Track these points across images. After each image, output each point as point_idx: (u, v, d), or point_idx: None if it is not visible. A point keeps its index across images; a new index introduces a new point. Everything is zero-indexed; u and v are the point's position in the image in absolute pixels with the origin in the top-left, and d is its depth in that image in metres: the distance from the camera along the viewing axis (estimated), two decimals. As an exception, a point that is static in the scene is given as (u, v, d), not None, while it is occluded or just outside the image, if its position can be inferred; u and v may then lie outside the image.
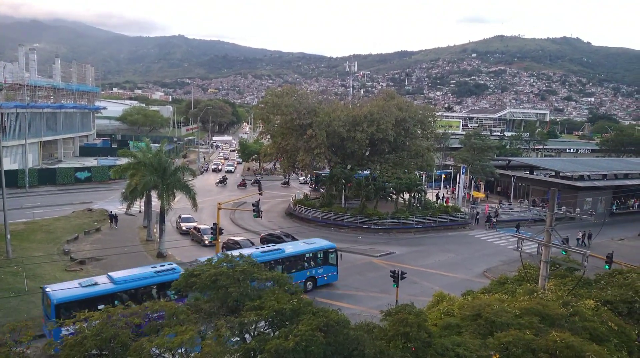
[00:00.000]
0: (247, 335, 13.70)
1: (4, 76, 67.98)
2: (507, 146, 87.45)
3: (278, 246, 29.53)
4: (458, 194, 51.99)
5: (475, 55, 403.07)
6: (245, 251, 27.54)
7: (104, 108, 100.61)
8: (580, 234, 40.75)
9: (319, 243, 30.50)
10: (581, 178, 53.33)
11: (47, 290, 20.52)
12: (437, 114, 67.15)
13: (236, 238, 34.85)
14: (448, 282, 29.65)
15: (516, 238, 21.12)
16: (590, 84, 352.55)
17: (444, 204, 49.43)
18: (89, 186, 57.81)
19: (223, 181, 65.36)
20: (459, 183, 51.53)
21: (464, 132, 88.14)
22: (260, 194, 43.05)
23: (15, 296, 23.80)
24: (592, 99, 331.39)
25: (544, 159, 78.24)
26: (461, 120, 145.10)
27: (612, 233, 43.92)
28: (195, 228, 38.59)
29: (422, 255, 36.13)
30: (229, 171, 78.49)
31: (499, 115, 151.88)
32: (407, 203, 45.67)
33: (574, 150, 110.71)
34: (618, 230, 45.86)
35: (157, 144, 41.12)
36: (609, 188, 52.95)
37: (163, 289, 22.26)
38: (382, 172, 45.43)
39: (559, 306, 15.49)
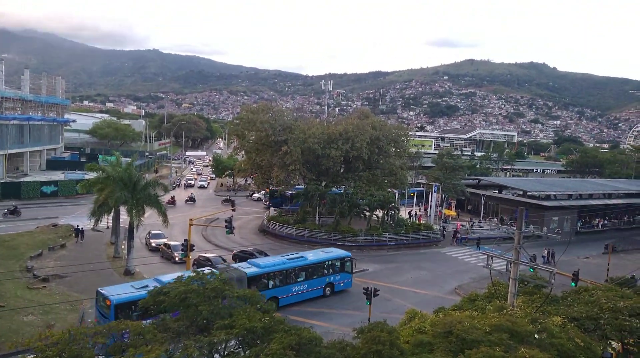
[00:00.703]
0: (216, 356, 13.36)
1: (-31, 86, 65.87)
2: (477, 166, 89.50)
3: (300, 253, 30.89)
4: (430, 211, 52.74)
5: (446, 77, 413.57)
6: (271, 260, 29.21)
7: (74, 121, 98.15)
8: (546, 252, 41.72)
9: (336, 252, 32.36)
10: (548, 197, 54.83)
11: (103, 291, 21.88)
12: (410, 133, 68.72)
13: (207, 255, 34.16)
14: (420, 299, 29.80)
15: (486, 256, 21.47)
16: (556, 107, 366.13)
17: (417, 221, 50.02)
18: (55, 201, 55.89)
19: (191, 199, 61.21)
20: (431, 201, 52.33)
21: (437, 152, 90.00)
22: (233, 210, 42.61)
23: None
24: (558, 122, 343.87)
25: (512, 179, 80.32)
26: (434, 140, 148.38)
27: (578, 251, 45.14)
28: (165, 244, 37.65)
29: (395, 272, 36.24)
30: (202, 187, 77.34)
31: (469, 136, 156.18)
32: (380, 220, 46.01)
33: (540, 171, 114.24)
34: (583, 248, 47.14)
35: (128, 159, 40.28)
36: (575, 208, 54.53)
37: None
38: (356, 189, 45.73)
39: (528, 323, 15.73)
